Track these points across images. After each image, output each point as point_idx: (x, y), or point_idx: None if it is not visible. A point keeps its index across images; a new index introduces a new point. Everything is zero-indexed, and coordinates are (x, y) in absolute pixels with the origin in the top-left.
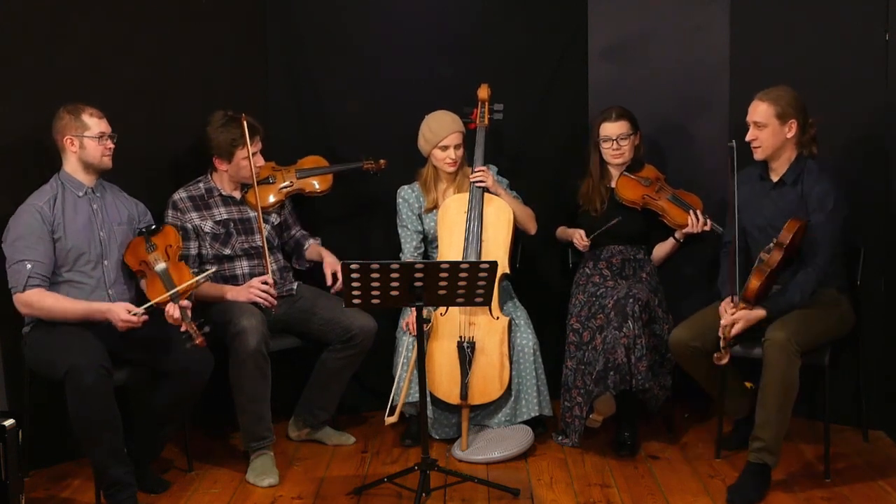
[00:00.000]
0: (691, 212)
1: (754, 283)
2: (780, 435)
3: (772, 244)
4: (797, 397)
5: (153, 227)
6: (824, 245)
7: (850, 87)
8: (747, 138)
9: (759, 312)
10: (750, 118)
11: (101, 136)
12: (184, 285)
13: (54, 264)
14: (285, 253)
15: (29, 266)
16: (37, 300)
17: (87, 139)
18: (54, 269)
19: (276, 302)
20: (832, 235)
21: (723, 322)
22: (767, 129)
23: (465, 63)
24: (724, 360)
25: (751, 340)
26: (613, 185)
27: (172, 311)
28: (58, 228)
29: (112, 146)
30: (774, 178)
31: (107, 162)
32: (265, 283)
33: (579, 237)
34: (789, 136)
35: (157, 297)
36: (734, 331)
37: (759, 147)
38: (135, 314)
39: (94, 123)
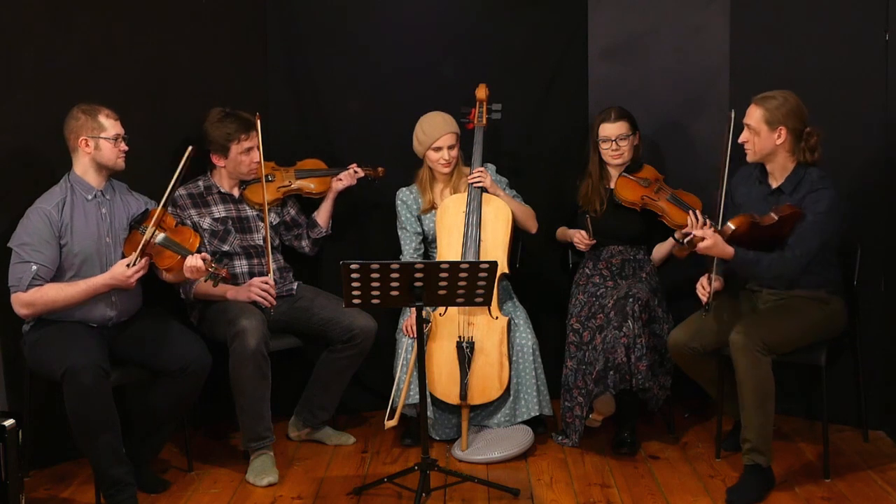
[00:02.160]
0: (691, 212)
1: (740, 219)
2: (765, 434)
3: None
4: (797, 397)
5: (139, 216)
6: (809, 241)
7: (850, 87)
8: (740, 140)
9: (728, 250)
10: (745, 120)
11: (116, 138)
12: (157, 210)
13: (59, 268)
14: (306, 239)
15: (34, 268)
16: (39, 295)
17: (102, 140)
18: (59, 274)
19: (275, 302)
20: (820, 235)
21: (695, 231)
22: (757, 134)
23: (465, 63)
24: (684, 254)
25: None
26: (612, 185)
27: (192, 262)
28: (65, 233)
29: (126, 148)
30: (773, 185)
31: (121, 164)
32: (265, 282)
33: (580, 237)
34: (778, 142)
35: (170, 264)
36: (700, 246)
37: (749, 150)
38: (132, 264)
39: (111, 125)
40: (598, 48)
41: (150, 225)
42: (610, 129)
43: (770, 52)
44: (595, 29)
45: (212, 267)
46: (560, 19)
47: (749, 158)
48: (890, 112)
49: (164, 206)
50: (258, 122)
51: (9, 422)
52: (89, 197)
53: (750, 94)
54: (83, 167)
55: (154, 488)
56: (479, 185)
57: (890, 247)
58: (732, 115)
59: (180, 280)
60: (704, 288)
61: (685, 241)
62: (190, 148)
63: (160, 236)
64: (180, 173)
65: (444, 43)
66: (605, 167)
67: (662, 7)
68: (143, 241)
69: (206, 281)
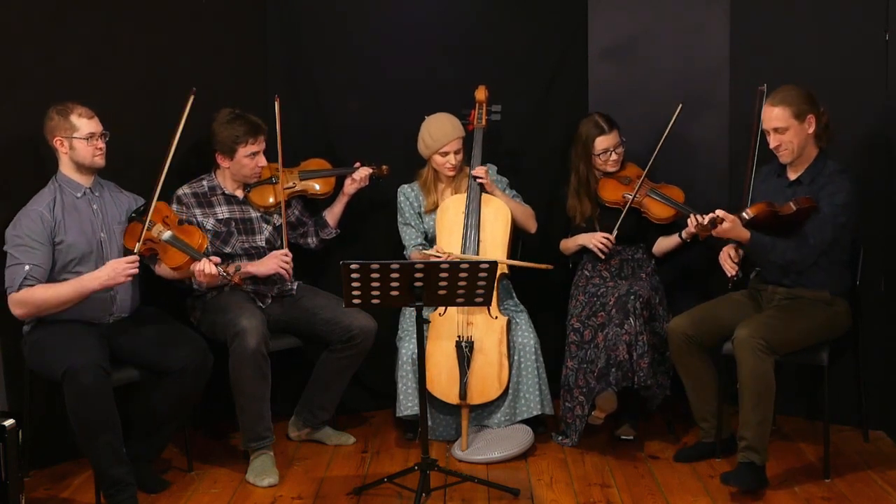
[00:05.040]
0: (692, 215)
1: (759, 206)
2: (763, 433)
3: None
4: (798, 397)
5: (141, 208)
6: (823, 232)
7: (850, 87)
8: (771, 146)
9: (745, 233)
10: (767, 126)
11: (90, 137)
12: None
13: (55, 267)
14: (314, 238)
15: (27, 268)
16: (29, 295)
17: (76, 140)
18: (56, 272)
19: (291, 275)
20: (833, 227)
21: (718, 212)
22: (789, 131)
23: (465, 63)
24: (706, 234)
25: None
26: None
27: (206, 267)
28: (59, 232)
29: (103, 145)
30: (791, 177)
31: (99, 161)
32: (287, 254)
33: (602, 237)
34: (811, 131)
35: (178, 263)
36: (719, 228)
37: (785, 150)
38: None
39: (84, 124)
40: (598, 48)
41: (153, 219)
42: (607, 142)
43: (770, 52)
44: (595, 29)
45: (223, 273)
46: (560, 19)
47: (785, 159)
48: (890, 112)
49: (161, 188)
50: (277, 103)
51: (9, 422)
52: (78, 195)
53: (750, 93)
54: (66, 167)
55: (154, 488)
56: (480, 181)
57: (890, 246)
58: (765, 89)
59: (183, 278)
60: (732, 259)
61: (707, 221)
62: (192, 91)
63: (167, 234)
64: (182, 125)
65: (445, 43)
66: (593, 174)
67: (662, 7)
68: (143, 234)
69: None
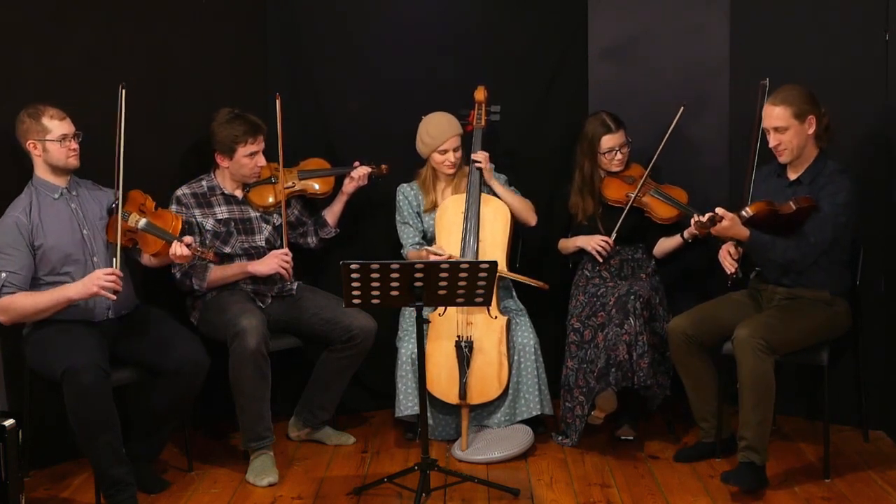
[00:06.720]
0: (696, 216)
1: (759, 205)
2: (762, 433)
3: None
4: (797, 397)
5: (117, 201)
6: (824, 231)
7: (850, 87)
8: (771, 145)
9: (744, 232)
10: (768, 125)
11: (63, 139)
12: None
13: (42, 271)
14: (313, 237)
15: (4, 275)
16: (10, 302)
17: (49, 143)
18: (44, 276)
19: (291, 275)
20: (834, 226)
21: (718, 210)
22: (789, 131)
23: (465, 63)
24: (704, 232)
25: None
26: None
27: (177, 250)
28: (38, 236)
29: (76, 146)
30: (792, 177)
31: (73, 163)
32: (286, 254)
33: (600, 240)
34: (811, 132)
35: (155, 249)
36: (717, 227)
37: (784, 150)
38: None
39: (56, 126)
40: (598, 48)
41: (128, 209)
42: (613, 140)
43: (770, 52)
44: (595, 29)
45: (198, 251)
46: (560, 19)
47: (784, 159)
48: (890, 112)
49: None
50: (278, 101)
51: (9, 422)
52: (55, 196)
53: (750, 94)
54: (41, 169)
55: (154, 488)
56: (479, 166)
57: (890, 246)
58: (767, 84)
59: (165, 264)
60: (732, 256)
61: (706, 219)
62: (122, 85)
63: (142, 221)
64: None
65: (445, 43)
66: (597, 172)
67: (662, 7)
68: (120, 226)
69: (192, 264)
